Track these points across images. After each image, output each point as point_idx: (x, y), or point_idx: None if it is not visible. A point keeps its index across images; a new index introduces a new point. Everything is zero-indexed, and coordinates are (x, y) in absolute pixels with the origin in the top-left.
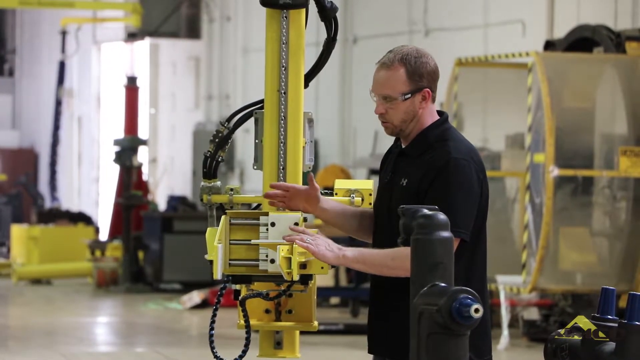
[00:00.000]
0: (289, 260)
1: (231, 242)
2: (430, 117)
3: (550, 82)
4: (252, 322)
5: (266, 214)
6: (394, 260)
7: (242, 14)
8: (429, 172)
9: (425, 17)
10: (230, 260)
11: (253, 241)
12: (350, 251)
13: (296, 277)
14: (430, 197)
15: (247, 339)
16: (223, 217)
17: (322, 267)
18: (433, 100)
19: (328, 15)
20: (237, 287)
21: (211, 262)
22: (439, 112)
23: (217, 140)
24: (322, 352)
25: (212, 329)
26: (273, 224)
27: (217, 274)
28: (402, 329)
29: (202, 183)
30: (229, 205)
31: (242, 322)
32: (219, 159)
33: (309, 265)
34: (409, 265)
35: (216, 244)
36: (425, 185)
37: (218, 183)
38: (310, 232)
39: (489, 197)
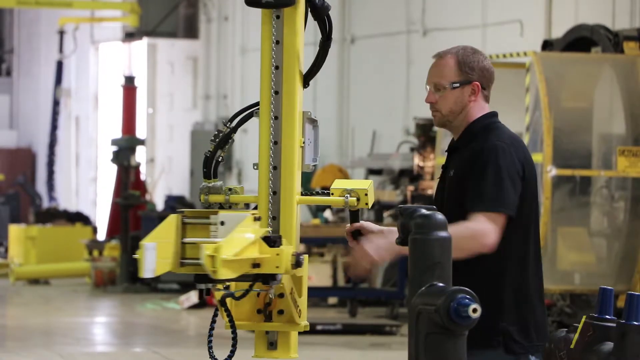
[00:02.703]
0: (213, 258)
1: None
2: (479, 111)
3: (548, 82)
4: (243, 322)
5: (216, 212)
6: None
7: (240, 14)
8: (470, 159)
9: (423, 17)
10: (182, 259)
11: (185, 239)
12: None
13: (222, 276)
14: (472, 183)
15: (234, 339)
16: (172, 215)
17: (277, 267)
18: (485, 99)
19: (320, 14)
20: (203, 286)
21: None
22: (492, 112)
23: (217, 140)
24: (320, 352)
25: (212, 328)
26: (223, 223)
27: (143, 273)
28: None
29: (203, 183)
30: (227, 205)
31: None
32: (219, 159)
33: (263, 264)
34: (465, 244)
35: (144, 242)
36: (467, 172)
37: (218, 183)
38: (355, 251)
39: (537, 190)
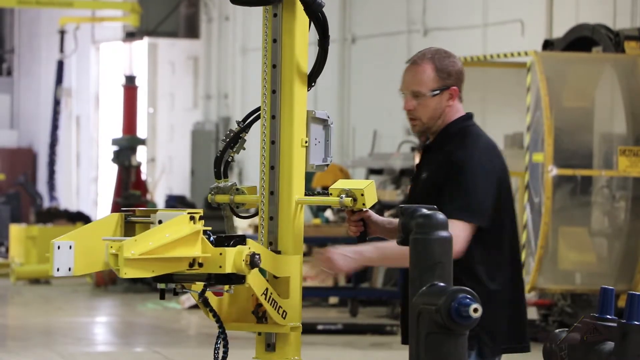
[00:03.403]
0: (116, 256)
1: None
2: (455, 114)
3: (549, 81)
4: (233, 323)
5: (155, 211)
6: None
7: (241, 14)
8: (445, 164)
9: (424, 16)
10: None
11: (103, 238)
12: (368, 251)
13: (127, 275)
14: (446, 189)
15: (224, 339)
16: (113, 214)
17: (220, 267)
18: (460, 100)
19: (314, 11)
20: (162, 286)
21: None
22: (467, 113)
23: (227, 139)
24: (320, 352)
25: (222, 330)
26: (160, 222)
27: (52, 271)
28: None
29: (215, 183)
30: (235, 205)
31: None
32: (229, 159)
33: (205, 264)
34: None
35: (54, 241)
36: (441, 177)
37: (229, 183)
38: (318, 256)
39: (512, 196)
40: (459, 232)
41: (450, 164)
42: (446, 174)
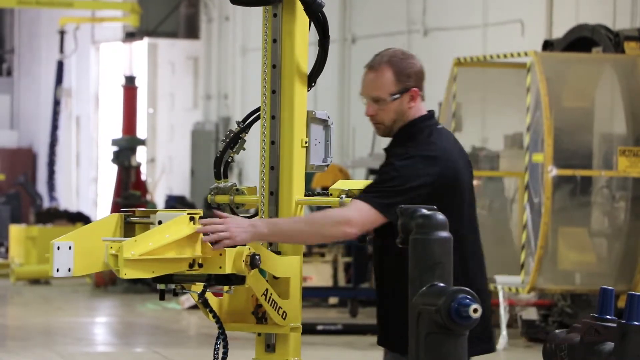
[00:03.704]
0: (116, 257)
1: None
2: (416, 113)
3: (549, 82)
4: (233, 324)
5: (155, 212)
6: (310, 226)
7: (241, 14)
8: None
9: (424, 17)
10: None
11: (103, 238)
12: (263, 225)
13: (127, 275)
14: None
15: (224, 339)
16: (113, 214)
17: (220, 267)
18: (422, 99)
19: (314, 11)
20: (162, 286)
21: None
22: (429, 111)
23: (227, 140)
24: (320, 352)
25: (222, 331)
26: (160, 222)
27: (52, 272)
28: (397, 318)
29: (215, 183)
30: (235, 206)
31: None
32: (229, 159)
33: (205, 265)
34: (325, 230)
35: (53, 242)
36: None
37: (229, 183)
38: (219, 219)
39: (467, 198)
40: (358, 213)
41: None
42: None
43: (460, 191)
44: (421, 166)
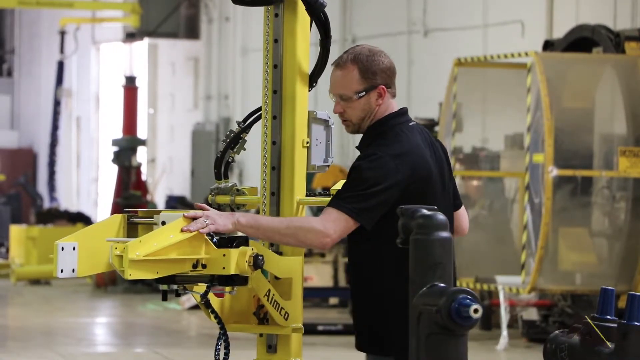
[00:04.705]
0: (121, 258)
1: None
2: (385, 111)
3: (550, 82)
4: (234, 325)
5: (158, 212)
6: (287, 228)
7: (241, 14)
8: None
9: (425, 17)
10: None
11: (108, 239)
12: (243, 217)
13: (132, 276)
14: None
15: (225, 340)
16: (116, 215)
17: (223, 268)
18: (392, 96)
19: (315, 11)
20: (165, 287)
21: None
22: (401, 109)
23: (228, 140)
24: (321, 352)
25: (224, 332)
26: (164, 223)
27: (56, 273)
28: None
29: (215, 184)
30: (236, 206)
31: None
32: (230, 160)
33: (209, 265)
34: (301, 235)
35: (58, 242)
36: None
37: (229, 184)
38: (201, 212)
39: (430, 202)
40: (331, 217)
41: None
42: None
43: (432, 188)
44: (391, 165)
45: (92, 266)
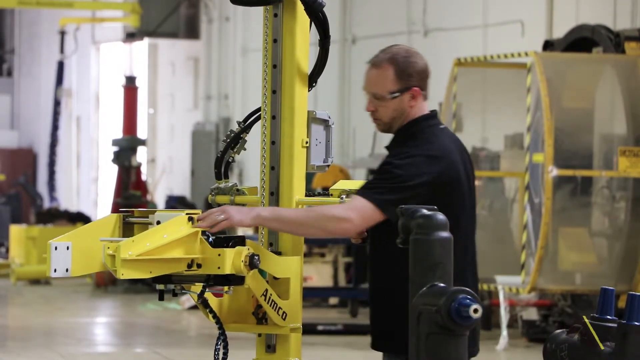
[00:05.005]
0: (113, 257)
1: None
2: (417, 113)
3: (549, 82)
4: (233, 324)
5: (153, 212)
6: (309, 218)
7: (241, 14)
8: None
9: (425, 17)
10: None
11: (101, 239)
12: (265, 210)
13: (124, 276)
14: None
15: (224, 340)
16: (112, 214)
17: (218, 267)
18: (425, 98)
19: (314, 11)
20: (162, 287)
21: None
22: (431, 111)
23: (228, 140)
24: (321, 352)
25: (222, 331)
26: (159, 222)
27: (49, 272)
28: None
29: (215, 184)
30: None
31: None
32: (230, 160)
33: (204, 265)
34: (323, 223)
35: (51, 242)
36: None
37: (230, 184)
38: (217, 209)
39: (465, 201)
40: (355, 203)
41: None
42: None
43: (460, 191)
44: (422, 165)
45: (86, 266)
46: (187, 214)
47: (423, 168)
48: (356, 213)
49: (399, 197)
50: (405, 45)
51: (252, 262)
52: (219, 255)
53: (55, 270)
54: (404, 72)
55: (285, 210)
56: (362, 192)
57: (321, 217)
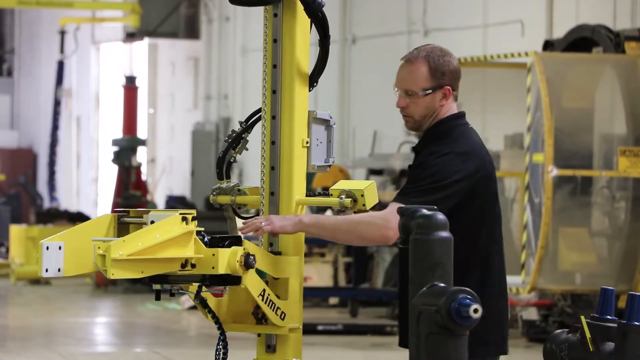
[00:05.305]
0: (104, 257)
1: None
2: (447, 112)
3: (549, 82)
4: (232, 324)
5: (147, 212)
6: (348, 224)
7: (241, 14)
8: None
9: (425, 17)
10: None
11: (92, 238)
12: (306, 217)
13: (115, 275)
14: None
15: (224, 340)
16: (106, 214)
17: (213, 267)
18: (455, 99)
19: (313, 11)
20: (158, 286)
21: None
22: (460, 112)
23: (229, 140)
24: (321, 352)
25: (221, 331)
26: (152, 222)
27: (41, 272)
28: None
29: (217, 184)
30: (237, 206)
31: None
32: (232, 160)
33: (198, 265)
34: (362, 230)
35: (42, 241)
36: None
37: (231, 184)
38: (262, 217)
39: (493, 199)
40: (394, 209)
41: (421, 159)
42: (414, 168)
43: (493, 188)
44: (456, 162)
45: (78, 266)
46: (180, 213)
47: (458, 166)
48: (396, 219)
49: (437, 197)
50: (439, 45)
51: (248, 262)
52: (213, 255)
53: (47, 270)
54: (437, 70)
55: (325, 217)
56: (400, 197)
57: (360, 223)
